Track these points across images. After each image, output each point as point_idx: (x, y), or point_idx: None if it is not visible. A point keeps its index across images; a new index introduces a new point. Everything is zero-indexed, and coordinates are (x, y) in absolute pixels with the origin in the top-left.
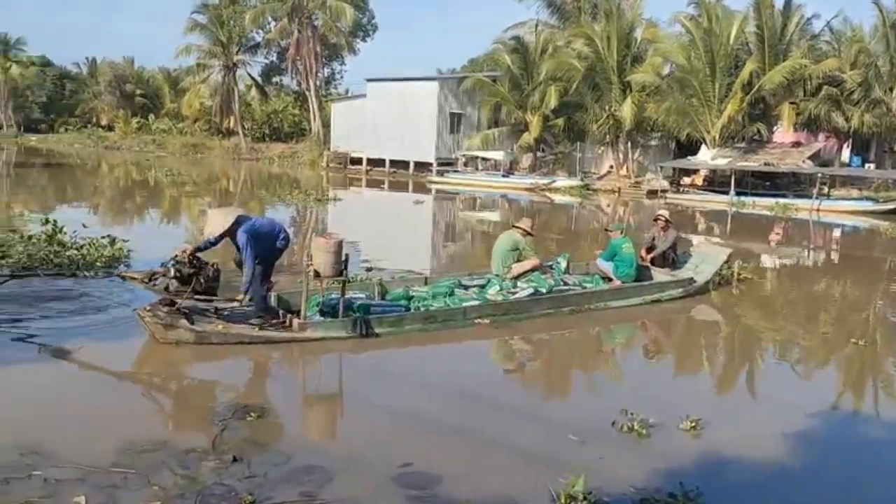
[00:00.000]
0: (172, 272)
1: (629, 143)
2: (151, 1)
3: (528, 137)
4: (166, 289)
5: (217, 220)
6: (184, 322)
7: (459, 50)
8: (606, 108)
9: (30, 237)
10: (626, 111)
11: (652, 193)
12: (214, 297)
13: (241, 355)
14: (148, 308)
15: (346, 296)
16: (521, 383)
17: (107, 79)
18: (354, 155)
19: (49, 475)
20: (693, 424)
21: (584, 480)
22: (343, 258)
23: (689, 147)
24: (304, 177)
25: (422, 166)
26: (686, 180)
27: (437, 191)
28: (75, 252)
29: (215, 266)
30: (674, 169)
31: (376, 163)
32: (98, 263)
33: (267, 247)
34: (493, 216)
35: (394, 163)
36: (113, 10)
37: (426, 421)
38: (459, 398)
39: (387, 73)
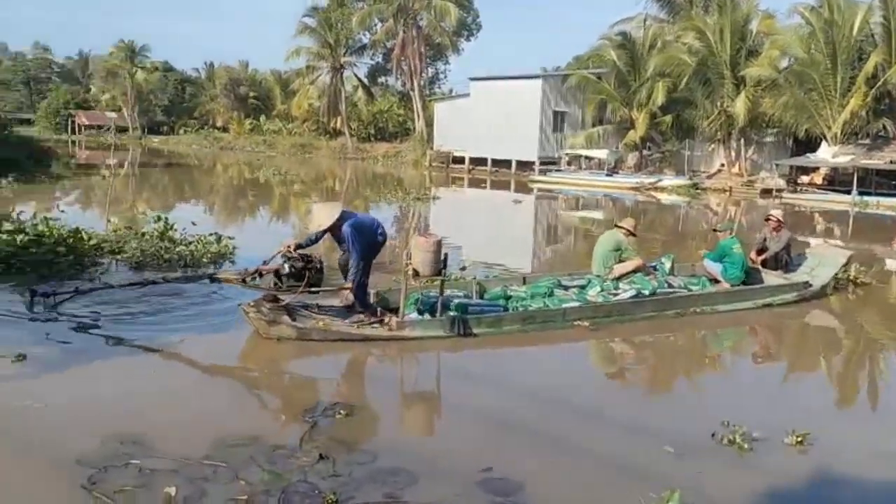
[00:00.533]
0: (287, 268)
1: (742, 140)
2: (265, 5)
3: (634, 135)
4: (276, 285)
5: (323, 214)
6: (286, 318)
7: (564, 48)
8: (718, 103)
9: (143, 234)
10: (740, 107)
11: (766, 193)
12: (322, 289)
13: (340, 352)
14: (252, 304)
15: (444, 294)
16: (619, 389)
17: (223, 82)
18: (457, 154)
19: (145, 465)
20: (800, 439)
21: (679, 496)
22: (442, 257)
23: (807, 144)
24: (408, 176)
25: (524, 165)
26: (804, 179)
27: (539, 190)
28: (184, 248)
29: (319, 259)
30: (791, 167)
31: (478, 162)
32: (204, 260)
33: (368, 241)
34: (596, 216)
35: (496, 162)
36: (229, 18)
37: (517, 426)
38: (553, 403)
39: (490, 72)
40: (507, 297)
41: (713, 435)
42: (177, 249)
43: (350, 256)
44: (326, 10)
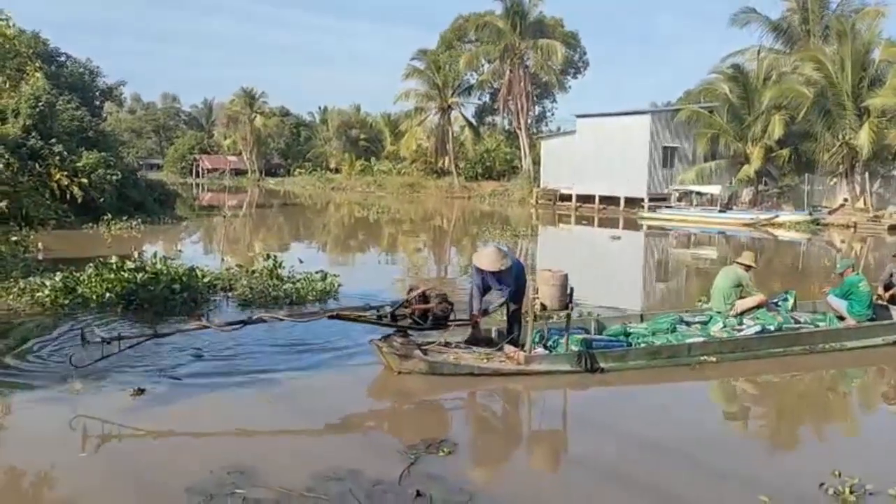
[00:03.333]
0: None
1: (867, 174)
2: (376, 52)
3: (749, 170)
4: (416, 322)
5: (493, 259)
6: (418, 353)
7: (674, 83)
8: (839, 136)
9: (253, 271)
10: (864, 138)
11: (894, 229)
12: (456, 321)
13: (464, 387)
14: (383, 339)
15: (558, 332)
16: (735, 432)
17: (335, 125)
18: (564, 191)
19: (249, 495)
20: None
21: None
22: (568, 291)
23: None
24: (514, 214)
25: (633, 202)
26: None
27: (649, 227)
28: (290, 286)
29: (445, 295)
30: None
31: (586, 199)
32: (309, 297)
33: (520, 284)
34: (709, 253)
35: (603, 199)
36: (343, 64)
37: (620, 471)
38: (663, 451)
39: (598, 109)
40: (627, 334)
41: (821, 485)
42: (284, 287)
43: (497, 294)
44: (434, 52)
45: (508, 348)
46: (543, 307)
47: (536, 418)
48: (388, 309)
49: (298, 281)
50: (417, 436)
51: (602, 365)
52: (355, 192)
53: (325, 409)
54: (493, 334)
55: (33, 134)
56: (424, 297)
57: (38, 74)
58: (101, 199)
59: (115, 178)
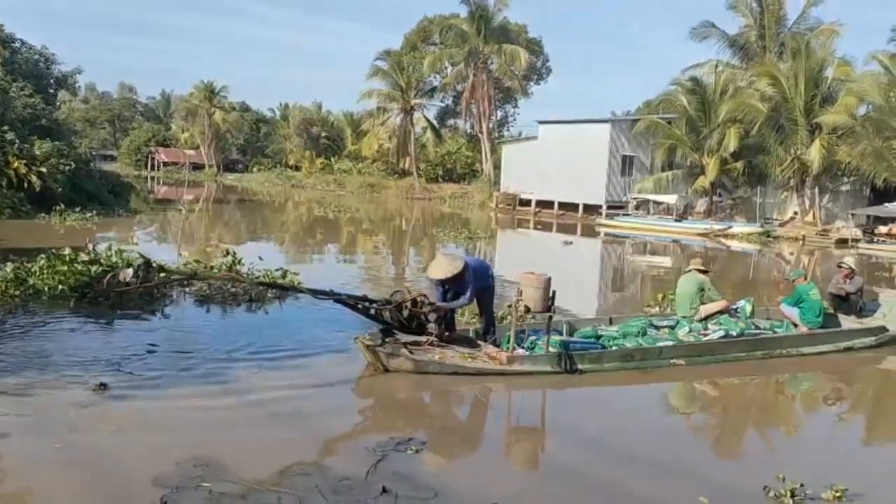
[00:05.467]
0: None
1: (816, 188)
2: (339, 48)
3: (704, 181)
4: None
5: (444, 266)
6: (404, 351)
7: (633, 92)
8: (792, 150)
9: (212, 267)
10: (814, 154)
11: (842, 242)
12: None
13: (446, 386)
14: (369, 336)
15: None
16: (691, 434)
17: (296, 122)
18: (524, 196)
19: (215, 488)
20: (838, 495)
21: None
22: (551, 294)
23: (885, 194)
24: (474, 217)
25: (591, 209)
26: (882, 229)
27: (606, 234)
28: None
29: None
30: (868, 217)
31: (545, 204)
32: (269, 294)
33: (481, 285)
34: (663, 261)
35: (563, 205)
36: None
37: (579, 471)
38: (623, 448)
39: (559, 116)
40: (598, 336)
41: (765, 488)
42: (243, 284)
43: (463, 300)
44: (398, 53)
45: (490, 349)
46: (527, 309)
47: (510, 418)
48: (376, 306)
49: (258, 278)
50: (388, 434)
51: (580, 366)
52: (315, 190)
53: (292, 407)
54: (471, 334)
55: None
56: (415, 303)
57: None
58: (59, 189)
59: (68, 168)
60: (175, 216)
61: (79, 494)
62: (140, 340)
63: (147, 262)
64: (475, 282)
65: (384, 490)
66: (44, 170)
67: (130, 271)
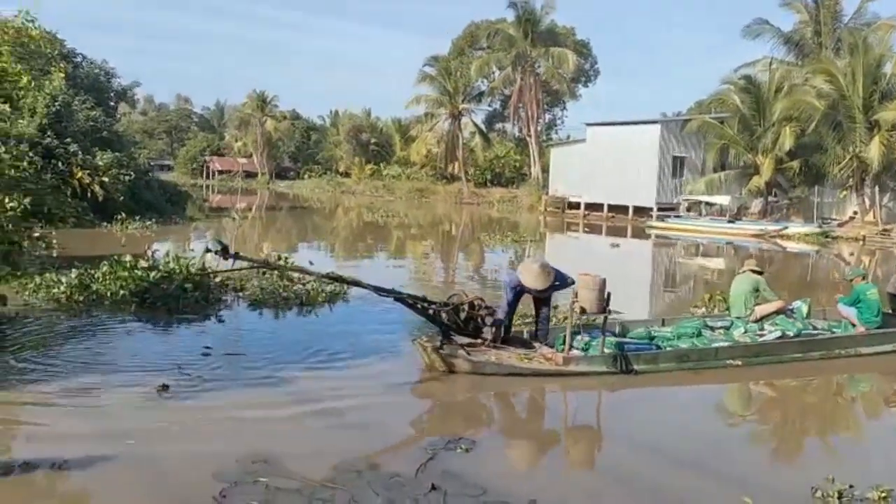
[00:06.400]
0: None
1: (877, 187)
2: (388, 56)
3: (759, 181)
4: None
5: (540, 277)
6: (462, 352)
7: (685, 92)
8: (850, 149)
9: (264, 272)
10: (874, 152)
11: None
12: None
13: (502, 387)
14: (427, 338)
15: (587, 334)
16: (745, 434)
17: (346, 129)
18: (572, 199)
19: (271, 483)
20: (883, 495)
21: None
22: (606, 295)
23: None
24: (523, 221)
25: (641, 211)
26: None
27: (657, 236)
28: (301, 287)
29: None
30: None
31: (594, 207)
32: (319, 299)
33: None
34: (716, 263)
35: (612, 207)
36: (355, 69)
37: (628, 470)
38: (676, 449)
39: (608, 118)
40: (651, 338)
41: (812, 489)
42: (294, 288)
43: (545, 305)
44: (446, 59)
45: (545, 350)
46: (583, 310)
47: (564, 418)
48: (435, 307)
49: (308, 283)
50: (440, 433)
51: (635, 367)
52: (364, 196)
53: (346, 406)
54: (525, 335)
55: (49, 133)
56: (472, 306)
57: (60, 75)
58: (120, 198)
59: (128, 178)
60: (229, 223)
61: (143, 489)
62: (197, 343)
63: (224, 248)
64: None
65: (433, 487)
66: (106, 180)
67: (209, 256)
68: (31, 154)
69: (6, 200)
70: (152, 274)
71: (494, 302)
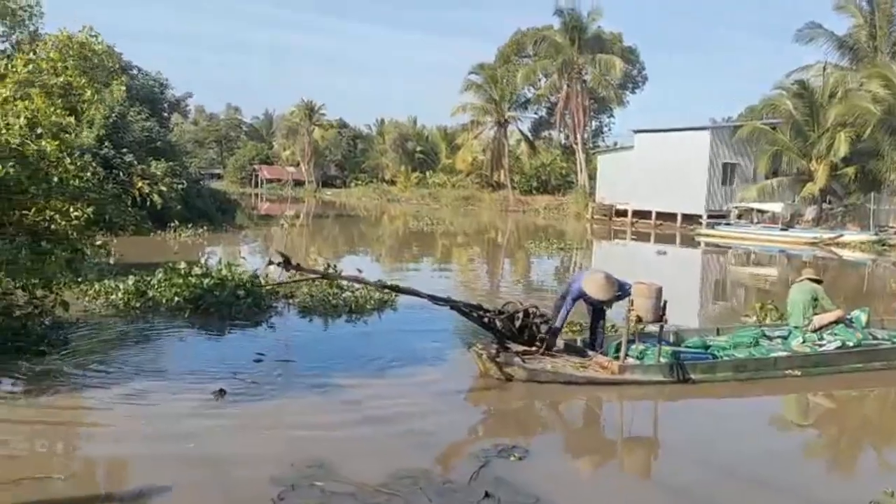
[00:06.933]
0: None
1: None
2: (433, 64)
3: (813, 188)
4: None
5: (606, 288)
6: (518, 360)
7: (735, 99)
8: None
9: (314, 280)
10: None
11: None
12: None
13: (556, 395)
14: (482, 346)
15: (641, 342)
16: (805, 446)
17: (392, 137)
18: (620, 206)
19: (327, 487)
20: None
21: None
22: (662, 304)
23: None
24: (569, 228)
25: (690, 219)
26: None
27: (707, 244)
28: (349, 295)
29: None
30: None
31: (642, 215)
32: (368, 306)
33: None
34: (769, 272)
35: (660, 215)
36: (400, 77)
37: (685, 483)
38: (735, 461)
39: (656, 124)
40: (707, 347)
41: (870, 503)
42: (343, 296)
43: (602, 315)
44: (492, 66)
45: (600, 358)
46: (639, 319)
47: (619, 427)
48: (490, 315)
49: (357, 291)
50: (494, 441)
51: (692, 376)
52: (410, 204)
53: (399, 412)
54: (579, 343)
55: (106, 143)
56: (527, 314)
57: (122, 87)
58: (178, 207)
59: (181, 187)
60: (277, 231)
61: (202, 491)
62: (249, 350)
63: (287, 260)
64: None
65: (486, 495)
66: (164, 189)
67: (272, 268)
68: (94, 164)
69: (71, 209)
70: (206, 281)
71: (546, 309)
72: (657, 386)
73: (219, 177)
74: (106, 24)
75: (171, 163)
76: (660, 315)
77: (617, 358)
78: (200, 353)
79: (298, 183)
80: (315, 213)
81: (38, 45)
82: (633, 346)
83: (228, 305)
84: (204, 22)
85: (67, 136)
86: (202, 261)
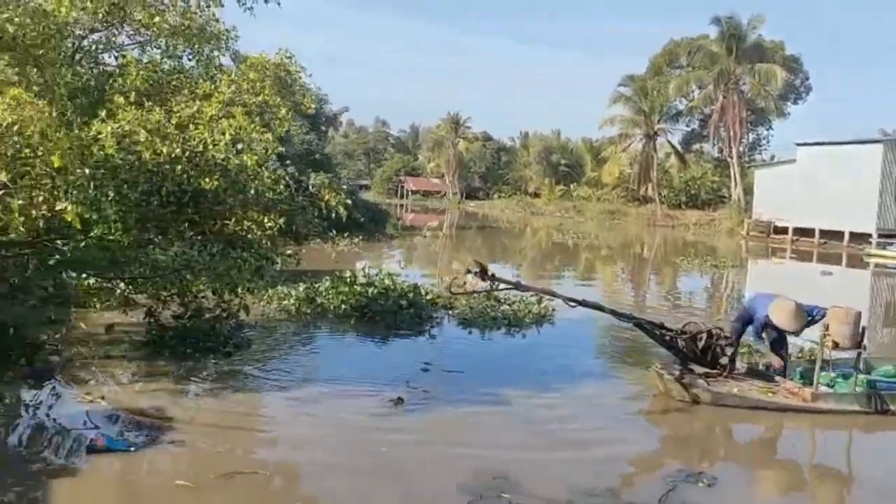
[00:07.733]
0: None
1: None
2: (580, 77)
3: None
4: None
5: (796, 320)
6: (701, 382)
7: None
8: None
9: (473, 293)
10: None
11: None
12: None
13: (739, 420)
14: (663, 366)
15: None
16: None
17: (536, 150)
18: (779, 224)
19: (514, 500)
20: None
21: None
22: (861, 330)
23: None
24: (721, 245)
25: (858, 237)
26: None
27: (877, 265)
28: (507, 308)
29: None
30: None
31: (804, 232)
32: (526, 320)
33: None
34: None
35: (824, 233)
36: (545, 90)
37: None
38: None
39: (820, 137)
40: None
41: None
42: (501, 308)
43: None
44: (642, 78)
45: (789, 384)
46: (836, 345)
47: (811, 458)
48: (671, 334)
49: (514, 303)
50: (678, 464)
51: (891, 407)
52: (553, 217)
53: (575, 428)
54: (761, 367)
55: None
56: (710, 335)
57: (312, 105)
58: (361, 218)
59: (351, 199)
60: (421, 241)
61: (389, 498)
62: (412, 359)
63: (483, 270)
64: None
65: None
66: (349, 201)
67: (470, 277)
68: (286, 178)
69: (265, 220)
70: (370, 290)
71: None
72: (851, 416)
73: (366, 188)
74: (273, 46)
75: (328, 174)
76: (858, 341)
77: (805, 384)
78: (369, 360)
79: (442, 194)
80: (458, 225)
81: (238, 67)
82: (823, 374)
83: (393, 314)
84: (367, 47)
85: (265, 151)
86: (364, 270)
